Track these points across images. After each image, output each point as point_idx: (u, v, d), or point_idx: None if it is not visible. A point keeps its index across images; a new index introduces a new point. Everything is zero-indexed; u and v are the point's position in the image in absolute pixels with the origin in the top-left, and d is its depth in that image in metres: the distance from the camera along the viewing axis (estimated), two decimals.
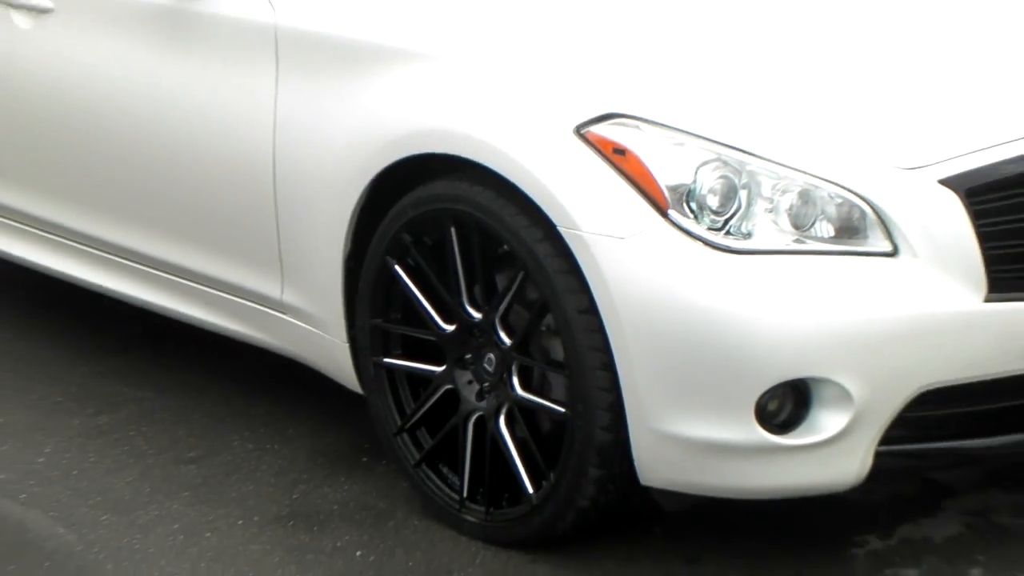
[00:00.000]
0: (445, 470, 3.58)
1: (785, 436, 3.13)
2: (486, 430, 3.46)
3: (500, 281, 3.42)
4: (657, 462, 3.21)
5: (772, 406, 3.12)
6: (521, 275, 3.31)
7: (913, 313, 3.10)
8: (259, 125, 3.70)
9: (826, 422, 3.12)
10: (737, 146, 3.16)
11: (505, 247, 3.34)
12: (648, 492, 3.32)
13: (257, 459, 3.95)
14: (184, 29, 3.88)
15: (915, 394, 3.13)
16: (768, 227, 3.14)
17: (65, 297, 4.77)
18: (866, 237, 3.14)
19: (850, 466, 3.16)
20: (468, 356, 3.49)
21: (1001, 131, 3.26)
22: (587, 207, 3.17)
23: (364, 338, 3.62)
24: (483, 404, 3.47)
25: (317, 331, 3.75)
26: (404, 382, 3.63)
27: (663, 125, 3.19)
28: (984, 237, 3.14)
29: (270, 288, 3.82)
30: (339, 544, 3.54)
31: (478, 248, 3.40)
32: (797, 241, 3.14)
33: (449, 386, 3.52)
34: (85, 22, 4.11)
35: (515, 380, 3.41)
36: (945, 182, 3.15)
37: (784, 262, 3.11)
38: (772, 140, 3.19)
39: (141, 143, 3.99)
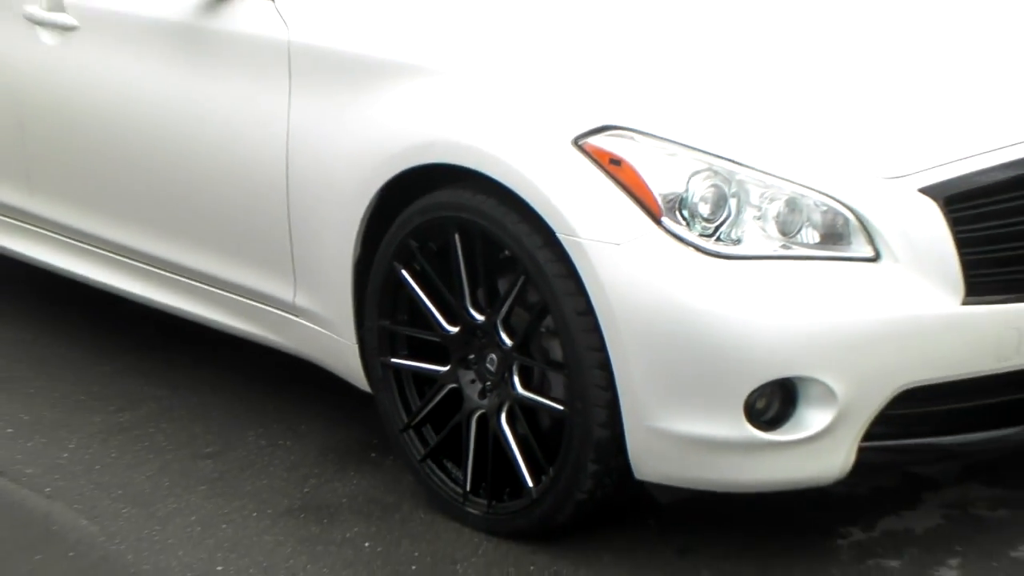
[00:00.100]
0: (449, 465, 3.58)
1: (773, 432, 3.13)
2: (488, 427, 3.46)
3: (502, 285, 3.41)
4: (651, 457, 3.21)
5: (760, 404, 3.12)
6: (522, 279, 3.31)
7: (894, 316, 3.10)
8: (273, 136, 3.71)
9: (812, 419, 3.12)
10: (727, 156, 3.16)
11: (506, 253, 3.34)
12: (643, 486, 3.31)
13: (270, 454, 3.95)
14: (202, 45, 3.88)
15: (896, 392, 3.13)
16: (756, 233, 3.14)
17: (85, 300, 4.77)
18: (849, 243, 3.14)
19: (835, 461, 3.16)
20: (471, 356, 3.49)
21: (979, 142, 3.25)
22: (585, 215, 3.17)
23: (372, 339, 3.62)
24: (485, 402, 3.46)
25: (327, 333, 3.75)
26: (410, 381, 3.62)
27: (657, 136, 3.19)
28: (962, 243, 3.14)
29: (283, 292, 3.83)
30: (348, 535, 3.54)
31: (481, 253, 3.40)
32: (784, 247, 3.14)
33: (453, 385, 3.52)
34: (108, 39, 4.12)
35: (516, 379, 3.40)
36: (925, 191, 3.15)
37: (772, 267, 3.12)
38: (760, 150, 3.19)
39: (160, 154, 4.00)
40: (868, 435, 3.16)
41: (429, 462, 3.59)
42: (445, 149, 3.38)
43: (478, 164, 3.32)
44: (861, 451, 3.17)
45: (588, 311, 3.18)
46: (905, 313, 3.11)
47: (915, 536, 3.47)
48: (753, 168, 3.16)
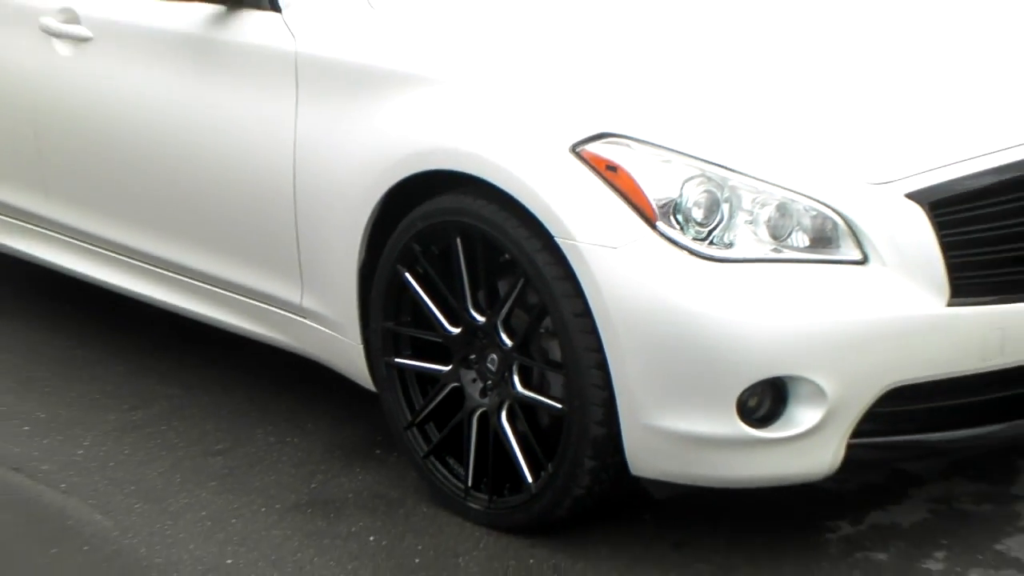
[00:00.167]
0: (451, 461, 3.58)
1: (764, 430, 3.12)
2: (489, 425, 3.46)
3: (502, 287, 3.41)
4: (647, 454, 3.21)
5: (752, 402, 3.11)
6: (522, 282, 3.31)
7: (881, 317, 3.10)
8: (280, 144, 3.70)
9: (802, 417, 3.12)
10: (720, 163, 3.16)
11: (506, 256, 3.33)
12: (639, 482, 3.31)
13: (278, 451, 3.95)
14: (212, 56, 3.88)
15: (883, 391, 3.13)
16: (748, 237, 3.14)
17: (100, 303, 4.77)
18: (838, 247, 3.14)
19: (824, 457, 3.16)
20: (472, 356, 3.48)
21: (963, 148, 3.25)
22: (582, 219, 3.17)
23: (377, 340, 3.62)
24: (486, 401, 3.46)
25: (334, 333, 3.74)
26: (414, 380, 3.62)
27: (652, 144, 3.19)
28: (947, 247, 3.14)
29: (291, 294, 3.83)
30: (354, 529, 3.54)
31: (482, 257, 3.40)
32: (775, 250, 3.14)
33: (455, 384, 3.52)
34: (121, 50, 4.12)
35: (516, 378, 3.40)
36: (911, 196, 3.15)
37: (763, 270, 3.12)
38: (752, 157, 3.19)
39: (171, 161, 3.99)
40: (856, 432, 3.15)
41: (432, 459, 3.59)
42: (447, 156, 3.38)
43: (479, 170, 3.32)
44: (850, 448, 3.16)
45: (586, 313, 3.18)
46: (892, 314, 3.10)
47: (902, 530, 3.47)
48: (745, 174, 3.15)
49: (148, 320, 4.69)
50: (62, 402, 4.26)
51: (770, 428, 3.13)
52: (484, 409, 3.47)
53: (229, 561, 3.42)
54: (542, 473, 3.38)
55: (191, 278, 4.10)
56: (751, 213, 3.14)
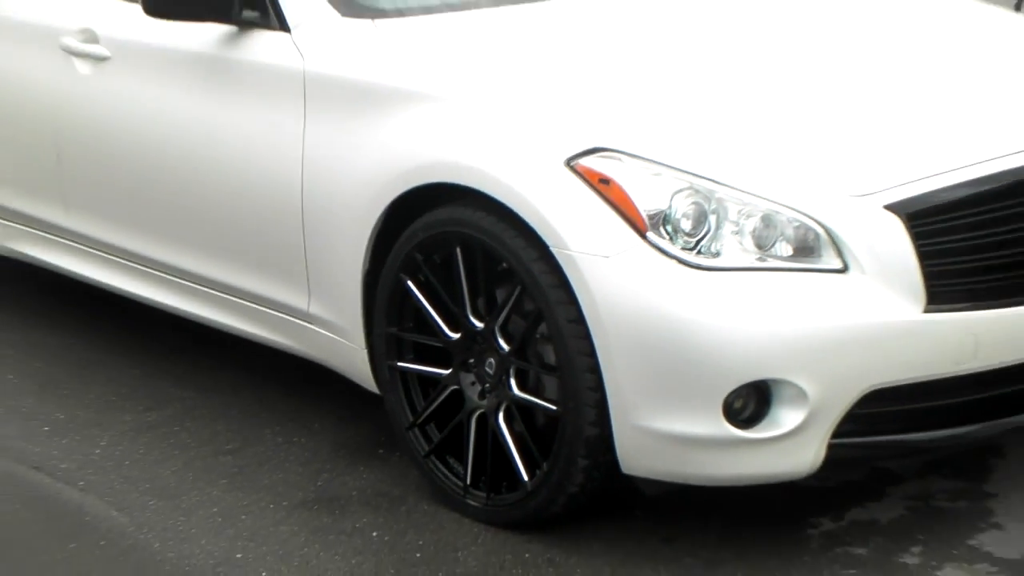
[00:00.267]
0: (451, 460, 3.57)
1: (749, 430, 3.12)
2: (487, 425, 3.45)
3: (500, 294, 3.41)
4: (637, 453, 3.20)
5: (738, 404, 3.11)
6: (518, 289, 3.31)
7: (861, 323, 3.10)
8: (289, 158, 3.70)
9: (785, 418, 3.11)
10: (707, 176, 3.16)
11: (504, 265, 3.33)
12: (630, 480, 3.30)
13: (286, 451, 3.94)
14: (224, 75, 3.88)
15: (863, 393, 3.13)
16: (734, 247, 3.14)
17: (116, 309, 4.76)
18: (820, 256, 3.14)
19: (806, 457, 3.16)
20: (472, 360, 3.48)
21: (940, 162, 3.25)
22: (576, 230, 3.17)
23: (380, 345, 3.62)
24: (485, 402, 3.46)
25: (339, 338, 3.74)
26: (415, 383, 3.62)
27: (642, 158, 3.19)
28: (924, 256, 3.14)
29: (298, 301, 3.82)
30: (358, 526, 3.54)
31: (481, 266, 3.40)
32: (759, 259, 3.14)
33: (455, 386, 3.51)
34: (138, 69, 4.11)
35: (513, 381, 3.40)
36: (889, 207, 3.15)
37: (748, 278, 3.11)
38: (738, 171, 3.18)
39: (185, 175, 3.99)
40: (837, 433, 3.15)
41: (433, 458, 3.58)
42: (448, 170, 3.38)
43: (478, 183, 3.32)
44: (831, 447, 3.16)
45: (579, 319, 3.18)
46: (871, 320, 3.10)
47: (881, 526, 3.46)
48: (731, 187, 3.15)
49: (163, 326, 4.67)
50: (80, 404, 4.26)
51: (755, 429, 3.12)
52: (482, 410, 3.46)
53: (239, 555, 3.41)
54: (538, 472, 3.37)
55: (204, 286, 4.10)
56: (737, 224, 3.14)
